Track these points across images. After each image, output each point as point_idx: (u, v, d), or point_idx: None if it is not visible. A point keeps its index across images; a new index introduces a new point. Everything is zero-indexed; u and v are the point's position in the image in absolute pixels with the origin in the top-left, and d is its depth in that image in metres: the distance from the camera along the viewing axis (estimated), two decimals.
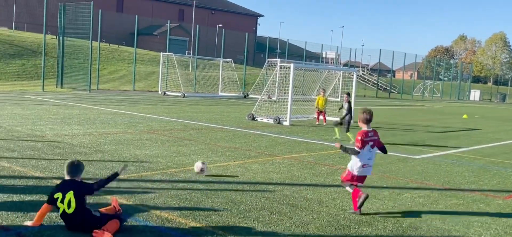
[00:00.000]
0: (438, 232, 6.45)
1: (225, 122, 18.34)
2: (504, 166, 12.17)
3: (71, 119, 15.83)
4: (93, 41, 32.09)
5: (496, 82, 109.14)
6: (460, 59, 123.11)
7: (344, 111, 15.56)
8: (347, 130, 15.02)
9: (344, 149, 7.05)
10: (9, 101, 20.77)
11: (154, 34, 72.92)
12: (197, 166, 8.88)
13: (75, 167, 5.74)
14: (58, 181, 7.05)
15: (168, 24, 44.17)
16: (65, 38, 33.47)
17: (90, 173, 8.36)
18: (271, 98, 28.80)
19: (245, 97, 37.91)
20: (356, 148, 6.92)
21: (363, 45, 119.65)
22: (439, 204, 7.88)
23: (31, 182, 7.68)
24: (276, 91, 28.99)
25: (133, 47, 40.44)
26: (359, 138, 6.92)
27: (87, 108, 20.09)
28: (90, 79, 31.24)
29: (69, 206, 5.46)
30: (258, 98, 22.83)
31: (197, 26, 49.44)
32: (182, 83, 34.63)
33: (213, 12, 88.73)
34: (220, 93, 38.85)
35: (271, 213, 6.75)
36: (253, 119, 19.45)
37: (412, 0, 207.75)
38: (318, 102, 20.10)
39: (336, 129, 15.58)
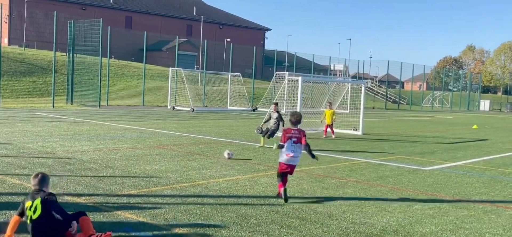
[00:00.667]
0: None
1: (234, 136, 18.38)
2: None
3: (81, 135, 15.95)
4: (102, 58, 32.39)
5: (506, 92, 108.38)
6: (469, 69, 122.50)
7: (272, 121, 15.47)
8: (270, 136, 15.18)
9: (278, 146, 8.63)
10: (20, 118, 20.97)
11: (162, 50, 73.43)
12: (225, 153, 12.28)
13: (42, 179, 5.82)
14: (69, 198, 7.08)
15: (177, 40, 44.52)
16: (75, 55, 33.81)
17: (100, 189, 8.42)
18: (279, 112, 28.81)
19: (253, 110, 37.97)
20: (280, 143, 8.43)
21: (371, 57, 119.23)
22: (449, 216, 7.84)
23: None
24: (285, 104, 29.06)
25: (142, 62, 40.73)
26: (283, 134, 8.49)
27: (97, 124, 20.23)
28: (100, 95, 31.49)
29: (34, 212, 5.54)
30: (267, 111, 22.87)
31: (205, 41, 49.69)
32: (191, 98, 34.78)
33: (221, 26, 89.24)
34: (229, 107, 38.94)
35: (281, 227, 6.75)
36: (262, 132, 19.45)
37: (420, 11, 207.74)
38: (325, 115, 20.06)
39: (262, 138, 15.45)
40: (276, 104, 16.36)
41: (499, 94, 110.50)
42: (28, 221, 5.54)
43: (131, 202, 7.73)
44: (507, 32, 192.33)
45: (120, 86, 46.73)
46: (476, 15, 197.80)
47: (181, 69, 37.03)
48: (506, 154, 16.85)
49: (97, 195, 8.05)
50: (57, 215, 5.55)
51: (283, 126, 15.29)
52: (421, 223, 7.32)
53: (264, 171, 10.97)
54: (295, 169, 8.73)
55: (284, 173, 8.44)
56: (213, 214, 7.20)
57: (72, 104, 32.15)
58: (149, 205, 7.56)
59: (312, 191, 9.20)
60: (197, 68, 64.30)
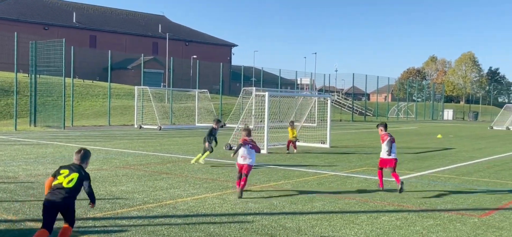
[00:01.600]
0: None
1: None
2: (478, 184, 12.36)
3: (45, 158, 15.58)
4: (66, 78, 31.82)
5: (468, 101, 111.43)
6: (432, 79, 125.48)
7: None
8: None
9: (234, 150, 10.69)
10: None
11: (128, 68, 72.68)
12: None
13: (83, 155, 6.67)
14: (32, 224, 6.92)
15: (142, 58, 44.13)
16: (38, 75, 33.12)
17: None
18: (248, 126, 28.79)
19: (222, 126, 37.85)
20: (239, 142, 10.57)
21: (336, 70, 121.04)
22: (416, 226, 7.94)
23: (2, 226, 7.50)
24: (253, 119, 29.06)
25: (107, 81, 40.21)
26: (241, 140, 10.56)
27: (62, 146, 19.80)
28: (64, 116, 30.88)
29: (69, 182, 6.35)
30: (235, 127, 22.84)
31: (171, 58, 49.53)
32: (158, 116, 34.46)
33: (187, 43, 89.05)
34: (197, 124, 38.74)
35: None
36: (231, 148, 19.39)
37: (382, 24, 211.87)
38: (289, 133, 19.99)
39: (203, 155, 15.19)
40: (218, 120, 16.17)
41: (462, 103, 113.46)
42: (56, 182, 6.35)
43: (97, 225, 7.56)
44: (467, 42, 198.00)
45: (85, 106, 45.98)
46: (437, 27, 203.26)
47: (147, 87, 36.70)
48: (470, 162, 17.25)
49: (61, 219, 7.83)
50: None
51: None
52: (388, 234, 7.39)
53: (232, 188, 10.92)
54: (265, 185, 8.75)
55: (240, 173, 10.24)
56: (181, 234, 7.11)
57: (35, 126, 31.42)
58: (115, 228, 7.41)
59: (281, 206, 9.19)
60: (164, 86, 63.85)
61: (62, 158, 15.60)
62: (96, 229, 7.36)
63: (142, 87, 37.81)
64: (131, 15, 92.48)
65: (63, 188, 6.28)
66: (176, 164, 14.85)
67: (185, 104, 47.77)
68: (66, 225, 6.41)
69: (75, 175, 6.38)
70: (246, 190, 10.56)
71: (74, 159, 6.64)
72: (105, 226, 7.51)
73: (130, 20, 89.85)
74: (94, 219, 7.91)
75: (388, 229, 7.72)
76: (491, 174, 14.36)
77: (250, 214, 8.52)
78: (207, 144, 15.12)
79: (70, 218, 6.43)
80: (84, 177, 6.45)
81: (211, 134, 15.34)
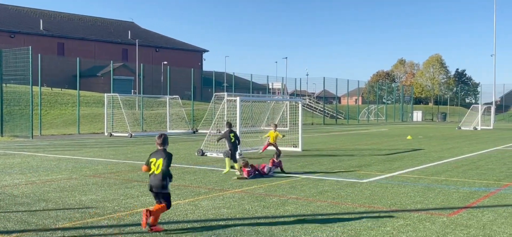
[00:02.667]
0: None
1: (174, 159, 17.98)
2: (447, 184, 12.60)
3: (12, 168, 15.23)
4: (33, 86, 31.21)
5: (436, 102, 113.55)
6: (401, 82, 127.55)
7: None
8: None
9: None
10: None
11: (97, 75, 71.73)
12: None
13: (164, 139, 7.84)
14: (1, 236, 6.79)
15: (111, 64, 43.64)
16: (4, 84, 32.39)
17: (32, 224, 8.03)
18: (220, 132, 28.75)
19: (194, 132, 37.69)
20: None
21: (307, 74, 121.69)
22: (386, 226, 8.04)
23: None
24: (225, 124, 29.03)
25: (76, 89, 39.60)
26: None
27: (29, 155, 19.40)
28: (32, 125, 30.26)
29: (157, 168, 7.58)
30: (207, 133, 22.76)
31: (142, 64, 49.06)
32: (128, 123, 34.08)
33: (157, 50, 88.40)
34: (169, 130, 38.47)
35: None
36: (203, 154, 19.32)
37: (352, 28, 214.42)
38: (269, 134, 19.89)
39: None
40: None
41: (431, 104, 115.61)
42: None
43: (66, 235, 7.42)
44: (435, 45, 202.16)
45: (54, 114, 45.15)
46: (405, 30, 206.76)
47: (117, 94, 36.27)
48: (439, 162, 17.57)
49: (29, 230, 7.67)
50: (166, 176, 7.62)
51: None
52: (360, 235, 7.47)
53: (205, 194, 10.87)
54: (237, 190, 8.75)
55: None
56: None
57: (2, 136, 30.68)
58: None
59: (253, 211, 9.19)
60: (134, 93, 63.23)
61: (30, 168, 15.28)
62: None
63: (112, 94, 37.34)
64: (99, 22, 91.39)
65: (155, 175, 7.55)
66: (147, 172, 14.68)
67: (156, 111, 47.41)
68: (163, 204, 7.60)
69: (160, 161, 7.52)
70: (218, 196, 10.53)
71: (157, 144, 7.78)
72: (75, 236, 7.37)
73: (99, 26, 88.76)
74: (63, 229, 7.77)
75: (359, 230, 7.79)
76: (459, 173, 14.66)
77: (222, 219, 8.49)
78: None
79: (165, 198, 7.62)
80: (166, 159, 7.55)
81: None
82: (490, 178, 13.73)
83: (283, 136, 20.41)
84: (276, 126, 20.57)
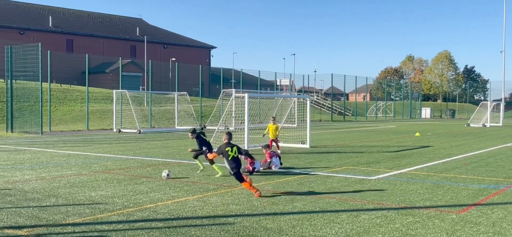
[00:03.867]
0: None
1: (183, 156, 18.20)
2: (456, 181, 12.55)
3: (23, 164, 15.35)
4: (43, 83, 31.41)
5: (445, 99, 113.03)
6: (409, 78, 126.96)
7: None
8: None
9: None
10: None
11: (106, 72, 72.02)
12: (163, 173, 12.48)
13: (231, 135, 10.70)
14: (10, 231, 6.89)
15: (120, 61, 43.78)
16: (14, 81, 32.61)
17: (43, 220, 8.10)
18: (228, 128, 28.82)
19: (202, 129, 37.74)
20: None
21: (315, 71, 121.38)
22: (395, 223, 8.03)
23: None
24: (233, 121, 29.07)
25: (85, 86, 39.80)
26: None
27: (39, 151, 19.53)
28: (42, 121, 30.46)
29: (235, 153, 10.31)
30: (215, 129, 22.80)
31: (150, 61, 49.19)
32: (137, 119, 34.21)
33: (165, 46, 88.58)
34: (177, 127, 38.57)
35: None
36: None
37: (360, 24, 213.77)
38: (268, 130, 19.88)
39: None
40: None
41: (439, 101, 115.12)
42: (229, 158, 10.18)
43: (76, 231, 7.48)
44: (443, 41, 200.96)
45: (63, 111, 45.40)
46: (414, 26, 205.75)
47: (125, 90, 36.40)
48: (448, 159, 17.50)
49: (40, 226, 7.74)
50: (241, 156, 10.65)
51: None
52: (369, 233, 7.47)
53: (213, 191, 10.90)
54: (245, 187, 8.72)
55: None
56: None
57: (12, 132, 30.91)
58: (95, 233, 7.34)
59: (262, 207, 9.21)
60: (143, 89, 63.44)
61: (40, 164, 15.39)
62: (75, 234, 7.28)
63: (120, 90, 37.48)
64: (108, 19, 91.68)
65: (235, 158, 10.21)
66: (156, 168, 14.76)
67: (164, 107, 47.53)
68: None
69: (235, 148, 10.35)
70: (227, 192, 10.57)
71: (226, 139, 10.51)
72: (85, 232, 7.44)
73: (107, 23, 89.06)
74: (73, 225, 7.83)
75: (368, 227, 7.79)
76: (468, 170, 14.60)
77: (231, 216, 8.52)
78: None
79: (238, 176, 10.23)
80: (238, 147, 10.42)
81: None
82: (500, 175, 13.67)
83: (278, 136, 19.97)
84: (274, 119, 20.53)
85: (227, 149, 10.18)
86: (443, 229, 7.68)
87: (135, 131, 32.84)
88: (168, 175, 12.47)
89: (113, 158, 17.39)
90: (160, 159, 17.08)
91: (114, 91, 37.57)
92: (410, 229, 7.71)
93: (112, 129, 35.37)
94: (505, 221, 8.24)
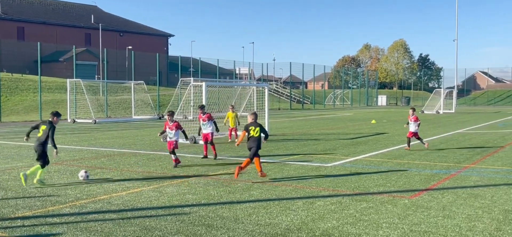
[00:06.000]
0: (350, 236, 6.67)
1: (139, 146, 17.93)
2: (409, 167, 12.85)
3: None
4: None
5: (400, 87, 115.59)
6: (366, 67, 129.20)
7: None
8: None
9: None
10: None
11: (59, 61, 69.99)
12: (80, 174, 10.76)
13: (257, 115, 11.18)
14: None
15: (74, 49, 42.67)
16: None
17: None
18: (186, 118, 28.56)
19: (160, 118, 37.32)
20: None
21: (274, 60, 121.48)
22: (350, 209, 8.15)
23: None
24: (192, 110, 28.80)
25: (37, 75, 38.60)
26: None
27: None
28: None
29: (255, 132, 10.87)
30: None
31: (105, 49, 48.17)
32: (92, 109, 33.48)
33: (121, 34, 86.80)
34: (134, 117, 38.00)
35: (186, 236, 6.65)
36: (195, 142, 19.10)
37: (318, 13, 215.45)
38: (228, 118, 19.86)
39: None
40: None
41: (395, 89, 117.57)
42: (250, 135, 10.80)
43: (26, 224, 7.25)
44: (399, 30, 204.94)
45: (15, 101, 43.94)
46: (371, 15, 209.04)
47: (80, 79, 35.52)
48: (402, 146, 17.89)
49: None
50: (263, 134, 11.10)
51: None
52: (323, 219, 7.55)
53: (170, 180, 10.78)
54: (202, 176, 8.68)
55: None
56: (115, 230, 6.94)
57: None
58: (46, 227, 7.12)
59: (218, 196, 9.17)
60: (98, 78, 62.09)
61: None
62: (25, 228, 7.05)
63: (74, 79, 36.55)
64: (61, 6, 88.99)
65: (254, 137, 10.79)
66: (112, 158, 14.49)
67: (121, 97, 46.69)
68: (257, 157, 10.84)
69: (258, 128, 10.86)
70: (184, 182, 10.48)
71: (252, 118, 11.02)
72: (35, 225, 7.21)
73: (60, 10, 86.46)
74: (23, 218, 7.58)
75: (323, 213, 7.88)
76: (421, 156, 14.97)
77: (187, 205, 8.45)
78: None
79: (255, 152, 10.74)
80: (261, 127, 10.96)
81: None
82: (451, 160, 14.08)
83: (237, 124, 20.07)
84: (233, 107, 20.55)
85: (250, 128, 10.92)
86: (396, 214, 7.85)
87: (90, 121, 32.14)
88: (87, 176, 10.69)
89: (67, 149, 16.96)
90: (115, 150, 16.77)
91: (68, 80, 36.63)
92: (364, 214, 7.84)
93: (66, 119, 34.50)
94: (454, 204, 8.49)
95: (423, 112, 49.22)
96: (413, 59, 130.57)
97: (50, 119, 10.69)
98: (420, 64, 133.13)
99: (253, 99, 30.87)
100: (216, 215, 7.76)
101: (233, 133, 19.83)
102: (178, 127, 12.85)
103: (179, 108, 25.23)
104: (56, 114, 10.81)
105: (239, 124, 20.25)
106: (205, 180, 10.83)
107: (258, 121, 11.23)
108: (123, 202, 8.65)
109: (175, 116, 22.66)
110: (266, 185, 10.21)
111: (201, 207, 8.30)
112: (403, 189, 9.93)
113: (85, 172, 10.81)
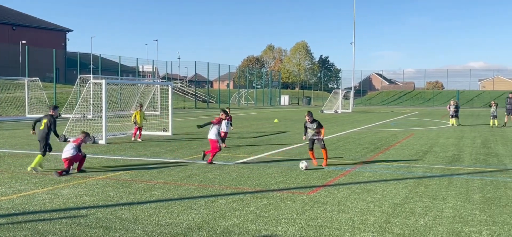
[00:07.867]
0: (250, 233, 6.78)
1: (33, 146, 16.94)
2: (309, 164, 13.29)
3: None
4: None
5: (302, 87, 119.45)
6: (270, 67, 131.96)
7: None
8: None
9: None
10: None
11: None
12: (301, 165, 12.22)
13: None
14: None
15: None
16: None
17: None
18: (86, 117, 27.46)
19: (57, 117, 35.51)
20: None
21: (179, 58, 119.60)
22: (250, 206, 8.29)
23: None
24: (91, 108, 27.70)
25: None
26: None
27: None
28: None
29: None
30: (71, 117, 21.59)
31: None
32: None
33: (14, 27, 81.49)
34: (28, 115, 35.85)
35: None
36: (66, 140, 18.27)
37: (223, 12, 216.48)
38: (135, 117, 19.42)
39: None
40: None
41: (297, 89, 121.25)
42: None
43: None
44: (301, 31, 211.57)
45: None
46: (274, 16, 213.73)
47: None
48: (302, 144, 18.48)
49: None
50: None
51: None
52: (225, 217, 7.61)
53: (65, 182, 10.31)
54: (101, 177, 8.40)
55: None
56: (4, 235, 6.51)
57: None
58: None
59: (118, 197, 8.92)
60: None
61: None
62: None
63: None
64: None
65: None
66: (2, 159, 13.58)
67: (13, 94, 43.86)
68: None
69: (315, 123, 12.75)
70: (81, 183, 10.07)
71: (309, 118, 12.53)
72: None
73: None
74: None
75: (224, 211, 7.94)
76: (321, 154, 15.53)
77: (84, 207, 8.13)
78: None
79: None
80: (319, 122, 12.80)
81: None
82: (347, 158, 14.79)
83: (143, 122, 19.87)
84: (141, 106, 20.20)
85: (310, 126, 12.88)
86: (294, 210, 8.10)
87: None
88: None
89: None
90: (6, 150, 15.73)
91: None
92: (264, 211, 8.01)
93: None
94: (348, 199, 8.93)
95: (322, 111, 51.19)
96: (314, 61, 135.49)
97: (50, 113, 12.16)
98: (321, 65, 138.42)
99: (157, 97, 30.39)
100: (115, 217, 7.54)
101: (138, 132, 19.37)
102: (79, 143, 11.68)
103: (77, 106, 24.19)
104: (54, 108, 12.50)
105: (146, 122, 20.03)
106: (104, 181, 10.48)
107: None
108: (13, 206, 8.14)
109: (74, 115, 21.81)
110: (169, 185, 10.10)
111: (99, 209, 8.02)
112: (301, 185, 10.27)
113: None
